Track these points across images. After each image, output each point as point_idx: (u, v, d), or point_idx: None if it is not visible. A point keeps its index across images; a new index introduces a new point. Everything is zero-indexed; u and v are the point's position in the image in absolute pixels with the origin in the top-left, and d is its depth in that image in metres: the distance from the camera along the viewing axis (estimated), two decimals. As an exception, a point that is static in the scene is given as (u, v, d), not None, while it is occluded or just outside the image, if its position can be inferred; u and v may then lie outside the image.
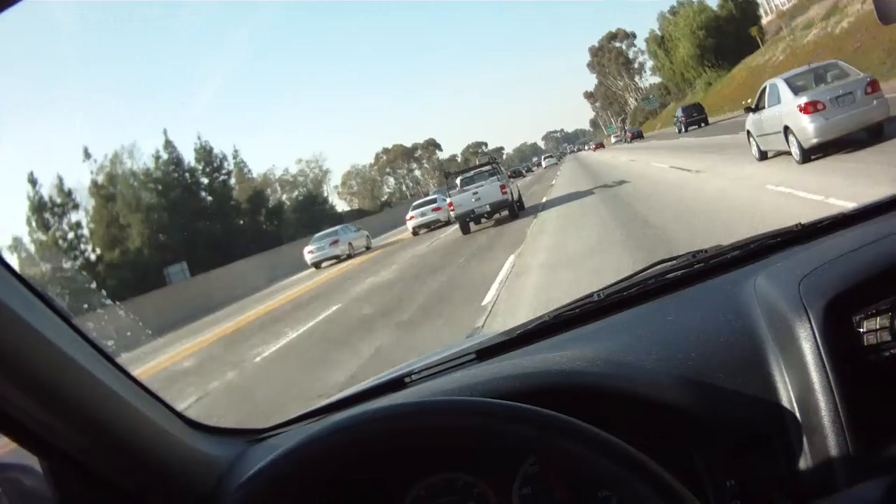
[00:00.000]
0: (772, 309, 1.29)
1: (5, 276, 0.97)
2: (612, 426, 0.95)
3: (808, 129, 11.69)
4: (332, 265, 31.33)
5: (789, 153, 12.68)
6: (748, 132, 15.19)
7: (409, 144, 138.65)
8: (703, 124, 44.23)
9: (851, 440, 1.11)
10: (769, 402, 1.21)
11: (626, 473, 0.87)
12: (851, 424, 1.12)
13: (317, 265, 32.04)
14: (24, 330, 0.94)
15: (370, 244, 35.21)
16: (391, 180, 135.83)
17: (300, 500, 1.04)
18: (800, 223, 1.67)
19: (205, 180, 62.40)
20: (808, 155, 11.97)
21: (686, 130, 44.43)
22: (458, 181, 25.56)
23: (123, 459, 1.11)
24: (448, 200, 24.12)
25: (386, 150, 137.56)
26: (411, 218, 32.23)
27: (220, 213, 59.97)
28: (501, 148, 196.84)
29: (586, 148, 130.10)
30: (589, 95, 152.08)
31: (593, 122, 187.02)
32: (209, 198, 61.70)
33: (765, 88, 13.81)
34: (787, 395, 1.20)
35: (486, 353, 1.61)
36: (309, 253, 32.09)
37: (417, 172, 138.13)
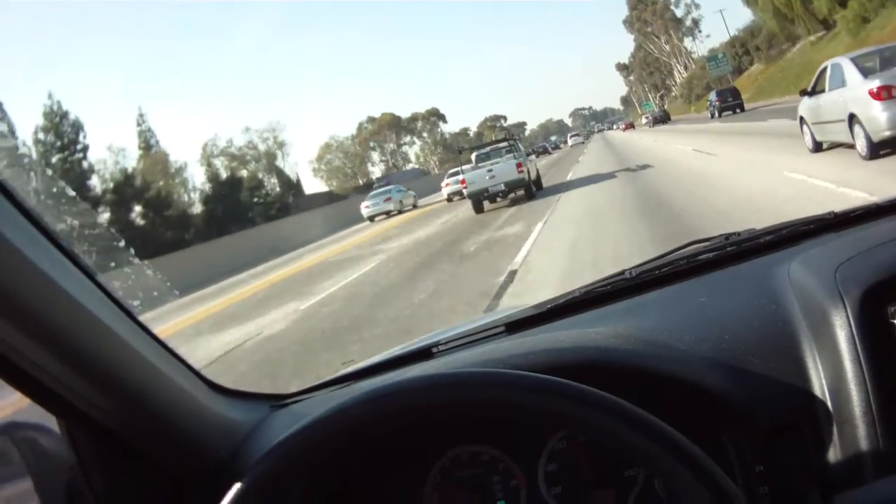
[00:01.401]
0: (806, 295, 1.30)
1: (23, 224, 0.95)
2: (645, 405, 0.96)
3: (880, 118, 10.25)
4: (383, 219, 39.13)
5: (851, 146, 11.33)
6: (801, 119, 13.83)
7: (406, 114, 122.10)
8: (738, 110, 43.02)
9: (882, 433, 1.11)
10: (801, 390, 1.21)
11: (662, 451, 0.89)
12: (883, 417, 1.12)
13: (371, 218, 40.10)
14: (45, 284, 0.94)
15: (416, 203, 43.20)
16: (375, 156, 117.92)
17: (328, 468, 1.11)
18: (832, 211, 1.70)
19: (49, 159, 41.23)
20: (878, 150, 10.61)
21: (719, 116, 43.35)
22: (473, 157, 25.66)
23: (143, 420, 1.11)
24: (461, 177, 24.25)
25: (371, 120, 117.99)
26: (447, 185, 35.50)
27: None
28: (524, 123, 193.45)
29: (615, 127, 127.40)
30: (622, 67, 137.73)
31: (624, 100, 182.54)
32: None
33: (825, 69, 12.39)
34: (819, 384, 1.20)
35: (515, 325, 1.63)
36: (365, 208, 40.80)
37: (415, 146, 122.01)
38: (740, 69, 70.29)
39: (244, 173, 66.52)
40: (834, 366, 1.18)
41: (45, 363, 0.96)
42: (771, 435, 1.20)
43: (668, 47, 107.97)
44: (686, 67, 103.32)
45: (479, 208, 22.89)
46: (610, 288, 1.65)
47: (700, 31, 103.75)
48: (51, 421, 1.11)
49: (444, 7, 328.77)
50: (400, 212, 40.12)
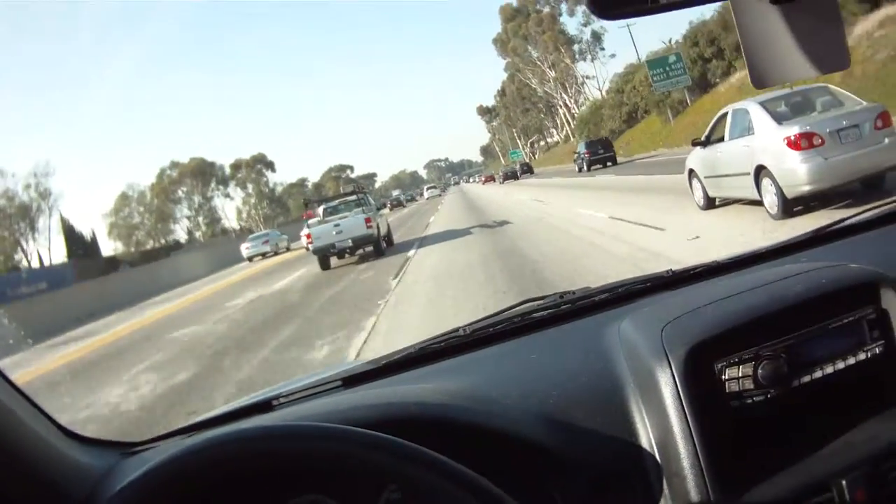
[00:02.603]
0: (634, 353, 1.38)
1: None
2: (472, 460, 1.02)
3: (798, 170, 8.99)
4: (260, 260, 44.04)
5: (756, 202, 10.15)
6: (690, 172, 12.62)
7: (229, 160, 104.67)
8: (609, 163, 41.26)
9: (712, 486, 1.17)
10: (629, 444, 1.27)
11: None
12: (711, 470, 1.18)
13: (250, 258, 46.40)
14: None
15: (289, 246, 48.56)
16: (179, 211, 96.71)
17: None
18: (671, 269, 1.81)
19: None
20: (791, 207, 9.39)
21: (588, 170, 41.47)
22: (320, 210, 25.39)
23: None
24: (306, 231, 23.46)
25: (175, 165, 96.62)
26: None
27: None
28: (373, 174, 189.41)
29: (471, 180, 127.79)
30: (485, 111, 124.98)
31: (485, 150, 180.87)
32: None
33: (724, 115, 11.19)
34: (647, 439, 1.27)
35: (352, 380, 1.70)
36: (246, 248, 47.54)
37: (237, 200, 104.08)
38: (706, 82, 43.87)
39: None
40: (661, 421, 1.25)
41: None
42: (599, 487, 1.24)
43: (553, 73, 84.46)
44: (577, 100, 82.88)
45: (325, 264, 22.18)
46: (444, 345, 1.74)
47: (602, 49, 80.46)
48: None
49: (278, 37, 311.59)
50: (276, 253, 46.25)
